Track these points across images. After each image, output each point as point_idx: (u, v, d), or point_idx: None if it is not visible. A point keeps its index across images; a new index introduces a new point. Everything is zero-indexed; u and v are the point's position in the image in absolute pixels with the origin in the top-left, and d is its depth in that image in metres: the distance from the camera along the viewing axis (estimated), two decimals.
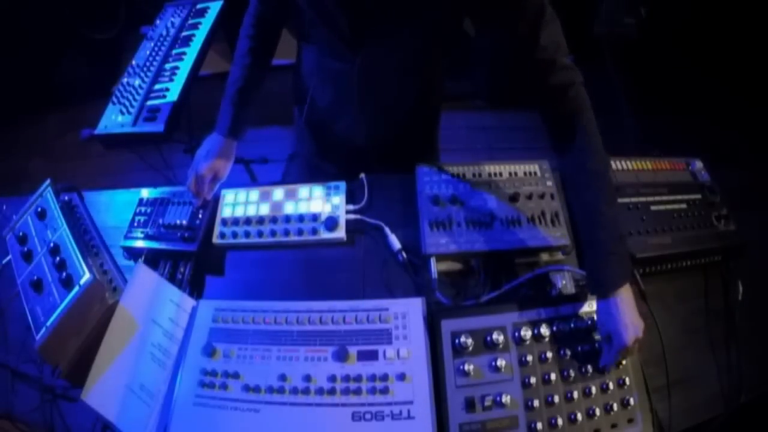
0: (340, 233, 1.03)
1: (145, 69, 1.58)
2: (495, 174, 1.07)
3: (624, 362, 0.83)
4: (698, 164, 1.12)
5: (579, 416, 0.78)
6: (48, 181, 1.09)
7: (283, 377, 0.82)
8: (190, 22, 1.72)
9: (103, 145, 1.49)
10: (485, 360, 0.82)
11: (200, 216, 1.06)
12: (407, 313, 0.87)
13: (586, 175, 0.84)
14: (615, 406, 0.80)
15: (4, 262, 1.08)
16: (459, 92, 2.60)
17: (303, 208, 1.07)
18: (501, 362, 0.81)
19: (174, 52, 1.62)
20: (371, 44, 0.93)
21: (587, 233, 0.84)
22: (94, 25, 2.86)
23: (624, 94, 2.49)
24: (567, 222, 1.00)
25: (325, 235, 1.03)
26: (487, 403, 0.79)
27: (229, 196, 1.10)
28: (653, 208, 1.02)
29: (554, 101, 0.85)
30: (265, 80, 1.10)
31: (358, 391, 0.80)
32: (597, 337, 0.84)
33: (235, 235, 1.04)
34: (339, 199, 1.07)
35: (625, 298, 0.80)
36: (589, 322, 0.85)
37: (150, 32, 1.73)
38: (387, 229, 1.04)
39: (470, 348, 0.82)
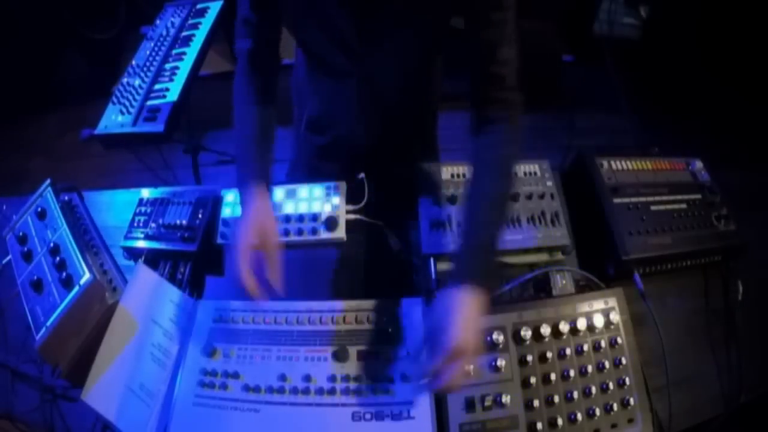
0: (340, 233, 1.03)
1: (145, 69, 1.58)
2: None
3: (625, 362, 0.83)
4: (698, 164, 1.12)
5: (579, 416, 0.78)
6: (48, 181, 1.09)
7: (283, 377, 0.82)
8: (190, 22, 1.72)
9: (103, 145, 1.49)
10: (485, 360, 0.82)
11: (200, 216, 1.06)
12: (407, 313, 0.87)
13: (489, 169, 0.84)
14: (615, 406, 0.80)
15: (4, 262, 1.08)
16: (459, 92, 2.60)
17: (303, 208, 1.07)
18: (501, 362, 0.81)
19: (174, 52, 1.62)
20: (372, 52, 0.93)
21: (471, 224, 0.81)
22: (94, 25, 2.86)
23: (624, 94, 2.49)
24: (567, 222, 1.00)
25: (325, 235, 1.03)
26: (487, 403, 0.79)
27: (229, 196, 1.10)
28: (653, 208, 1.02)
29: (488, 108, 0.86)
30: (276, 118, 0.98)
31: (358, 391, 0.80)
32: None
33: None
34: (339, 199, 1.07)
35: (472, 299, 0.72)
36: (590, 322, 0.85)
37: (150, 32, 1.73)
38: (387, 229, 1.04)
39: None
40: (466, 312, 0.71)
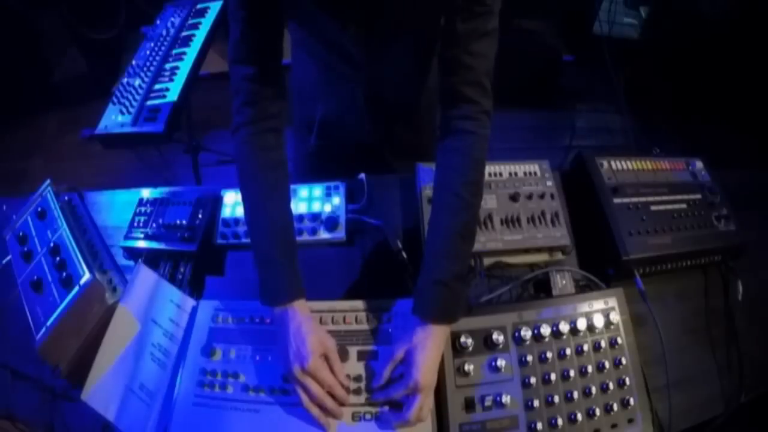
0: (340, 233, 1.03)
1: (145, 69, 1.58)
2: (495, 174, 1.06)
3: (625, 362, 0.83)
4: (698, 164, 1.12)
5: (579, 416, 0.78)
6: (48, 181, 1.09)
7: (283, 377, 0.82)
8: (190, 22, 1.72)
9: (103, 145, 1.49)
10: (485, 360, 0.82)
11: (200, 216, 1.06)
12: (407, 313, 0.87)
13: (453, 195, 0.81)
14: (615, 406, 0.80)
15: (4, 262, 1.07)
16: None
17: (303, 208, 1.07)
18: (501, 362, 0.81)
19: (174, 52, 1.62)
20: (376, 61, 0.94)
21: (432, 255, 0.80)
22: (94, 25, 2.86)
23: (624, 94, 2.49)
24: (567, 222, 1.00)
25: (325, 235, 1.03)
26: (487, 403, 0.79)
27: (229, 196, 1.10)
28: (653, 208, 1.02)
29: (456, 109, 0.84)
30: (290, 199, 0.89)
31: (358, 391, 0.80)
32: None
33: (235, 235, 1.04)
34: (339, 199, 1.07)
35: (434, 337, 0.76)
36: (590, 322, 0.85)
37: (150, 32, 1.73)
38: (387, 229, 1.04)
39: (470, 348, 0.82)
40: (427, 349, 0.76)
